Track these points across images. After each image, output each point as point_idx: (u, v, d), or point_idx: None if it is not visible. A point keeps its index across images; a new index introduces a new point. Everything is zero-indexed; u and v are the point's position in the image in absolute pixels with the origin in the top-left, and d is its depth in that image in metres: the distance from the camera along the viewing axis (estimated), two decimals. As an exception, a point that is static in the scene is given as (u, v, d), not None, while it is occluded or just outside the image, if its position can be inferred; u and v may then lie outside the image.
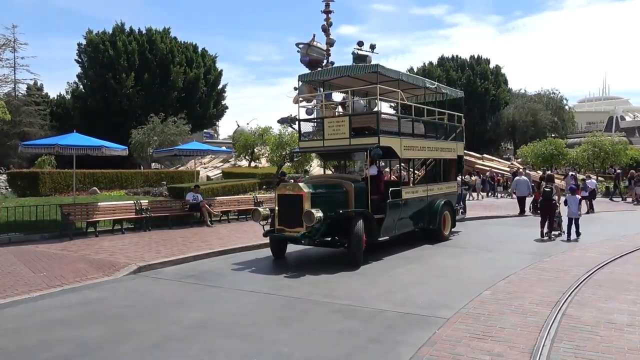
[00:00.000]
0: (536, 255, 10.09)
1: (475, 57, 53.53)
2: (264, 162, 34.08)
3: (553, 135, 47.06)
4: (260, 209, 10.09)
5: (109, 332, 5.67)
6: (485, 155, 37.43)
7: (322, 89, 12.68)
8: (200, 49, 49.22)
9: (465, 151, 34.15)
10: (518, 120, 50.41)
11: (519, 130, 50.67)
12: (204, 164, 39.60)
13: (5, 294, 7.21)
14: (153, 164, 37.69)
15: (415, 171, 14.86)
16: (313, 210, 8.78)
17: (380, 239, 10.14)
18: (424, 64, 53.53)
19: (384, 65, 10.91)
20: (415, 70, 53.14)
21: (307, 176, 12.83)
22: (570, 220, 12.32)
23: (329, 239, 9.69)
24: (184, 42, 48.03)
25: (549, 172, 21.44)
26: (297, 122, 12.13)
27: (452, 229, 12.98)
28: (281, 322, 5.99)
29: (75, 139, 13.63)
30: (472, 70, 51.24)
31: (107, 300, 7.07)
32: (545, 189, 12.86)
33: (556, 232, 12.78)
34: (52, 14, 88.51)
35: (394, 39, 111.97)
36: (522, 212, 18.21)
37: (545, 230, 12.54)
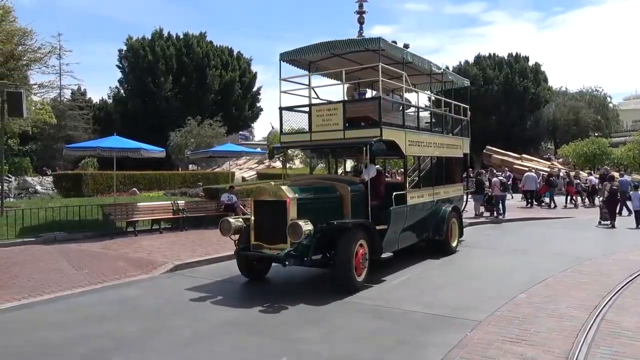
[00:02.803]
0: (576, 258, 9.75)
1: (514, 54, 52.10)
2: (297, 164, 34.31)
3: (596, 134, 45.37)
4: (230, 218, 7.99)
5: (144, 327, 5.86)
6: (524, 155, 36.41)
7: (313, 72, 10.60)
8: (235, 52, 50.01)
9: (502, 151, 33.58)
10: (559, 119, 48.83)
11: (560, 129, 49.09)
12: (239, 165, 40.22)
13: (50, 290, 7.56)
14: (190, 165, 38.54)
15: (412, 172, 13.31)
16: (301, 222, 6.89)
17: (383, 255, 8.13)
18: (460, 62, 52.53)
19: (387, 40, 9.09)
20: (451, 69, 52.21)
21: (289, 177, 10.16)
22: (636, 212, 14.83)
23: (320, 256, 7.79)
24: (219, 45, 48.92)
25: (612, 173, 21.90)
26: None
27: (460, 239, 11.32)
28: (310, 321, 6.03)
29: (115, 141, 14.12)
30: (510, 69, 49.93)
31: (144, 297, 7.30)
32: (613, 187, 15.46)
33: (606, 222, 14.89)
34: (95, 21, 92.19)
35: (428, 38, 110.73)
36: (529, 204, 20.86)
37: (607, 221, 14.81)
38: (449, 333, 5.45)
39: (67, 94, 45.26)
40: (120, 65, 47.44)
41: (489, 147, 34.29)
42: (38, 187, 27.64)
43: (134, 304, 6.92)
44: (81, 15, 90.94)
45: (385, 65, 9.03)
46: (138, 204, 14.40)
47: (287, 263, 7.12)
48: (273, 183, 7.83)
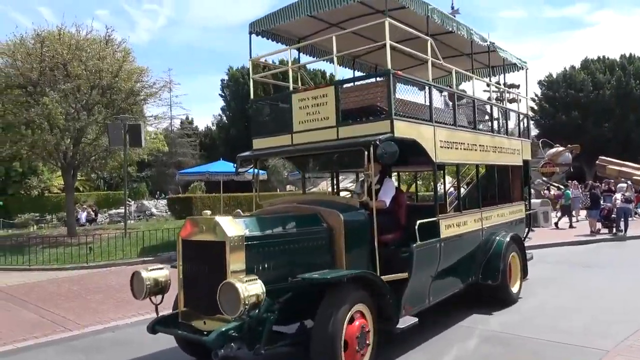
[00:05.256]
0: None
1: (627, 55, 47.73)
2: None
3: None
4: (145, 272, 5.02)
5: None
6: (645, 165, 32.87)
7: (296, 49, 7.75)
8: (328, 75, 51.33)
9: (619, 161, 30.60)
10: (687, 123, 43.50)
11: (689, 134, 43.67)
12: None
13: (169, 306, 8.14)
14: (288, 186, 39.87)
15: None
16: (239, 284, 4.01)
17: (400, 325, 5.20)
18: (565, 68, 49.19)
19: None
20: (554, 75, 49.02)
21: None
22: None
23: (297, 325, 4.96)
24: (312, 70, 50.59)
25: None
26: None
27: (525, 278, 8.15)
28: (416, 343, 5.88)
29: (221, 166, 15.11)
30: (623, 71, 45.68)
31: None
32: None
33: None
34: (199, 55, 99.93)
35: (527, 44, 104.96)
36: None
37: None
38: (571, 362, 5.02)
39: (177, 123, 49.30)
40: (223, 94, 50.87)
41: (603, 158, 31.47)
42: (154, 210, 30.22)
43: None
44: (187, 50, 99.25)
45: (396, 23, 5.91)
46: (242, 224, 15.13)
47: (219, 353, 4.13)
48: (209, 212, 4.82)
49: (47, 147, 16.83)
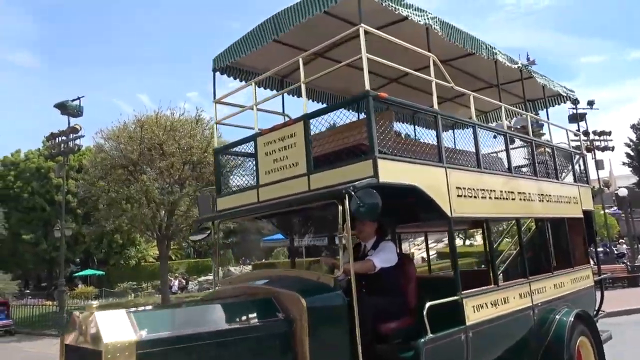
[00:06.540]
0: None
1: None
2: (479, 240, 32.58)
3: None
4: None
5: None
6: None
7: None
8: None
9: None
10: None
11: None
12: (417, 245, 39.69)
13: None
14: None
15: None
16: None
17: None
18: (661, 110, 45.80)
19: None
20: (649, 119, 45.63)
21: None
22: None
23: None
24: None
25: None
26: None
27: None
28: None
29: (303, 232, 15.47)
30: None
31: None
32: None
33: None
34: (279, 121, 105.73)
35: (612, 88, 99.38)
36: None
37: None
38: None
39: (260, 191, 51.31)
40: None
41: None
42: (239, 276, 31.09)
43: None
44: (266, 118, 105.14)
45: (374, 31, 4.35)
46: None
47: None
48: (96, 304, 3.37)
49: (144, 220, 18.22)
